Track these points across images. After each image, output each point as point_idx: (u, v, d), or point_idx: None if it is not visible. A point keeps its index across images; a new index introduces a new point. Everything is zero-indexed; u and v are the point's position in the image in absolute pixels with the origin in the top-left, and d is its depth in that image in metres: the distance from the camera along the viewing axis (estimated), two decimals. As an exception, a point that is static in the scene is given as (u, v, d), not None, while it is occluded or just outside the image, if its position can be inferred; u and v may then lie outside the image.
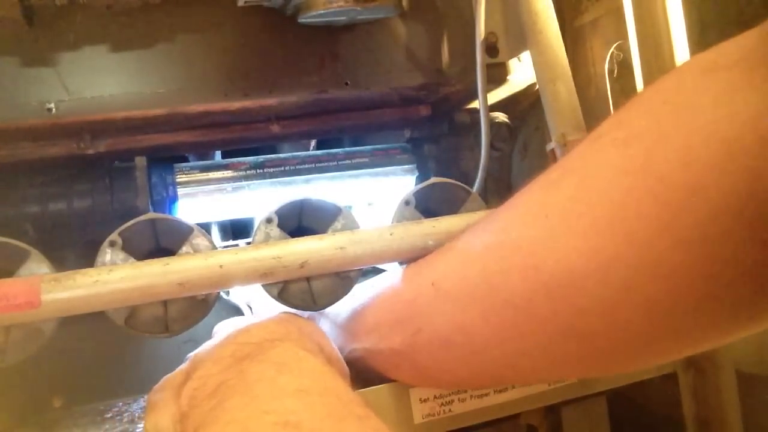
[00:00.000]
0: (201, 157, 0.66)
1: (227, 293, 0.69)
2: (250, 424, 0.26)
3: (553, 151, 0.49)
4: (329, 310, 0.44)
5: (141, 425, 0.50)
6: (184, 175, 0.57)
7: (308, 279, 0.43)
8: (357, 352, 0.42)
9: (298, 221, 0.45)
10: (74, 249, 0.59)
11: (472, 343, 0.34)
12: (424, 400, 0.40)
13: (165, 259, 0.39)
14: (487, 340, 0.33)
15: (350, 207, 0.64)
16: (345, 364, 0.39)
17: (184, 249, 0.41)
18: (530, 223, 0.31)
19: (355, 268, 0.43)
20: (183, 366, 0.39)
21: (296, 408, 0.26)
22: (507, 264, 0.31)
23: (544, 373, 0.38)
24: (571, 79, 0.49)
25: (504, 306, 0.31)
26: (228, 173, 0.58)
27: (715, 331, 0.29)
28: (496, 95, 0.62)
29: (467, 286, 0.34)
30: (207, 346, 0.39)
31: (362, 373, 0.41)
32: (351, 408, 0.27)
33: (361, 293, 0.45)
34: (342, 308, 0.46)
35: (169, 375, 0.38)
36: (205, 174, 0.57)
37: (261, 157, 0.59)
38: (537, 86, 0.50)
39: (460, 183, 0.47)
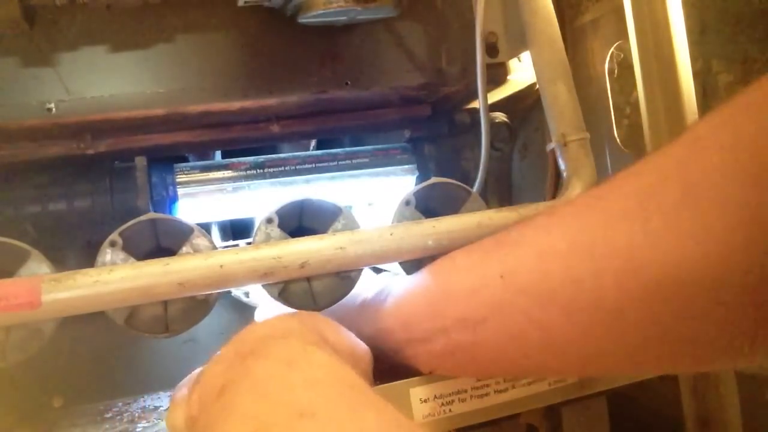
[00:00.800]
0: (201, 157, 0.66)
1: (247, 294, 0.69)
2: (265, 418, 0.25)
3: (553, 151, 0.49)
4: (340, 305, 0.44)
5: (141, 425, 0.50)
6: (184, 175, 0.57)
7: (308, 279, 0.43)
8: (384, 343, 0.42)
9: (299, 221, 0.45)
10: (74, 249, 0.59)
11: (550, 339, 0.33)
12: (424, 400, 0.40)
13: (165, 259, 0.39)
14: (568, 338, 0.33)
15: (350, 207, 0.64)
16: (357, 350, 0.38)
17: (185, 249, 0.41)
18: (627, 226, 0.30)
19: (356, 268, 0.43)
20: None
21: (311, 399, 0.26)
22: (600, 266, 0.30)
23: (625, 369, 0.38)
24: (571, 79, 0.49)
25: (593, 308, 0.31)
26: (228, 173, 0.58)
27: None
28: (496, 95, 0.62)
29: (548, 284, 0.33)
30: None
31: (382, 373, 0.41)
32: (366, 396, 0.27)
33: (377, 292, 0.45)
34: (358, 305, 0.46)
35: (195, 371, 0.38)
36: (205, 174, 0.57)
37: (261, 157, 0.59)
38: (537, 86, 0.50)
39: (460, 183, 0.47)
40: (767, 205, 0.25)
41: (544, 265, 0.33)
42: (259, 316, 0.62)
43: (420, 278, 0.42)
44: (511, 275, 0.35)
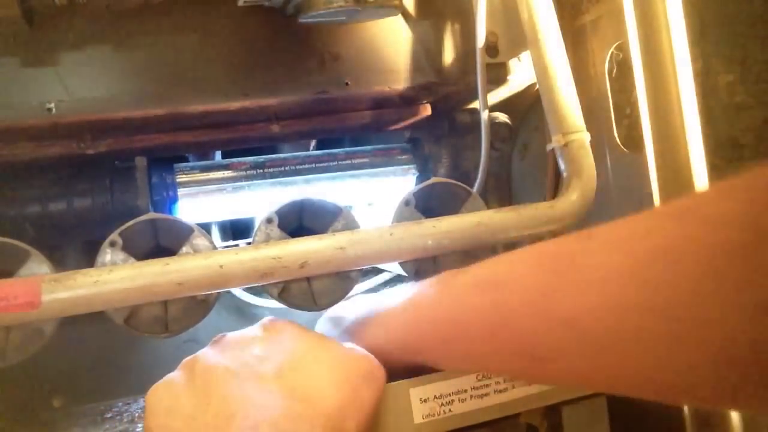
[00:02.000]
0: (201, 157, 0.66)
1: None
2: None
3: (553, 151, 0.49)
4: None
5: (141, 425, 0.50)
6: (184, 175, 0.57)
7: (308, 279, 0.43)
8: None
9: (299, 221, 0.45)
10: (74, 249, 0.59)
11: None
12: (424, 401, 0.40)
13: (165, 259, 0.39)
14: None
15: (350, 207, 0.64)
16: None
17: (185, 249, 0.41)
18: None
19: (356, 268, 0.43)
20: (179, 371, 0.38)
21: None
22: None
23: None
24: (571, 79, 0.49)
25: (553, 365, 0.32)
26: (228, 173, 0.58)
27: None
28: (496, 95, 0.62)
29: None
30: (208, 352, 0.39)
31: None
32: None
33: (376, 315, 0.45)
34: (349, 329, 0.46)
35: (168, 376, 0.38)
36: (205, 174, 0.57)
37: (261, 157, 0.59)
38: (537, 86, 0.50)
39: (460, 183, 0.47)
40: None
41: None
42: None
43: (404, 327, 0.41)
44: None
